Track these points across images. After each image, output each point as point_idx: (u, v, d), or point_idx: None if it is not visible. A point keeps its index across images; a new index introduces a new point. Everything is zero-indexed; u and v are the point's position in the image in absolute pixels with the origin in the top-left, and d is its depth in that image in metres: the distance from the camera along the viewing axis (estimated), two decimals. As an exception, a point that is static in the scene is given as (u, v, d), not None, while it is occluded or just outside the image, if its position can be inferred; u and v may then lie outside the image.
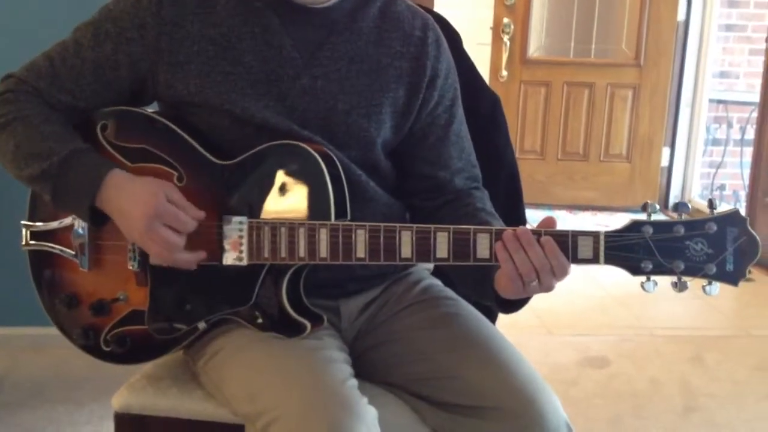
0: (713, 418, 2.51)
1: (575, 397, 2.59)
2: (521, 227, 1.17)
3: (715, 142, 5.54)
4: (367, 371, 1.35)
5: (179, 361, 1.43)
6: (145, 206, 1.20)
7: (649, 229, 1.14)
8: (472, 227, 1.18)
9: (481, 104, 1.63)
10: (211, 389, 1.34)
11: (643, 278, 1.16)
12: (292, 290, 1.27)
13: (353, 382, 1.23)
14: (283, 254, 1.23)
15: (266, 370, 1.23)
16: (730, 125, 5.55)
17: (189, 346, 1.36)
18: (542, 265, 1.15)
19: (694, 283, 1.16)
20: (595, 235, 1.15)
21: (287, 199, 1.24)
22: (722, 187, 5.57)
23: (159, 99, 1.34)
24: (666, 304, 3.42)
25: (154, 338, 1.31)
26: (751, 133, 5.40)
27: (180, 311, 1.29)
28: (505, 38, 4.84)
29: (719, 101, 5.46)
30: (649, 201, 1.17)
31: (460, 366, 1.28)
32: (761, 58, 4.44)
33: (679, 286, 1.16)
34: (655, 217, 1.15)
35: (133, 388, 1.38)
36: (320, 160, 1.23)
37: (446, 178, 1.40)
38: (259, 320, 1.27)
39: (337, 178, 1.25)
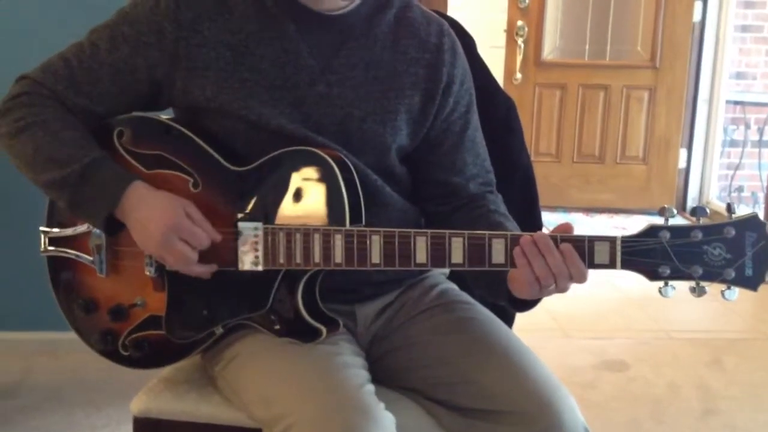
0: (732, 422, 2.49)
1: (593, 400, 2.58)
2: (539, 233, 1.17)
3: (733, 143, 5.50)
4: (383, 376, 1.35)
5: (197, 365, 1.43)
6: (163, 219, 1.21)
7: (667, 234, 1.13)
8: (487, 233, 1.18)
9: (496, 108, 1.63)
10: (228, 394, 1.34)
11: (660, 283, 1.15)
12: (307, 295, 1.28)
13: (370, 387, 1.23)
14: (299, 260, 1.23)
15: (282, 375, 1.23)
16: (747, 126, 5.51)
17: (206, 351, 1.36)
18: (560, 271, 1.15)
19: (712, 288, 1.15)
20: (611, 240, 1.15)
21: (302, 205, 1.24)
22: (740, 189, 5.53)
23: (174, 104, 1.34)
24: (683, 306, 3.40)
25: (171, 343, 1.32)
26: (768, 134, 5.37)
27: (197, 316, 1.30)
28: (519, 41, 4.83)
29: (736, 102, 5.43)
30: (666, 205, 1.16)
31: (476, 370, 1.28)
32: (779, 59, 4.40)
33: (698, 291, 1.15)
34: (672, 222, 1.14)
35: (152, 392, 1.38)
36: (335, 165, 1.23)
37: (461, 183, 1.40)
38: (276, 326, 1.28)
39: (351, 183, 1.25)
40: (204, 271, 1.25)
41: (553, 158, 5.08)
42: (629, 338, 3.16)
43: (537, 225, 1.67)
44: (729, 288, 1.14)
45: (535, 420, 1.21)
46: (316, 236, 1.22)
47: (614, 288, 3.64)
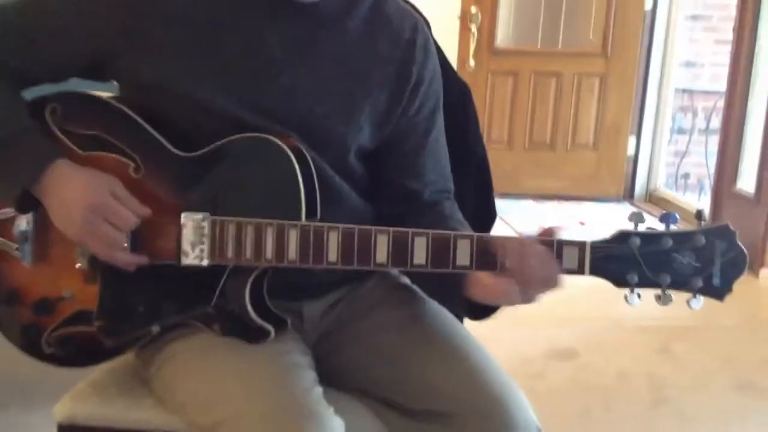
0: (682, 409, 2.50)
1: (543, 390, 2.57)
2: (525, 235, 1.12)
3: (680, 130, 5.56)
4: (329, 375, 1.29)
5: (129, 366, 1.35)
6: (85, 199, 1.13)
7: (637, 241, 1.09)
8: (452, 233, 1.13)
9: (452, 93, 1.58)
10: (163, 397, 1.26)
11: (626, 290, 1.12)
12: (255, 293, 1.21)
13: (318, 390, 1.17)
14: (249, 255, 1.17)
15: (225, 377, 1.17)
16: (695, 114, 5.57)
17: (141, 350, 1.29)
18: (530, 274, 1.10)
19: (677, 295, 1.12)
20: (580, 245, 1.10)
21: (255, 196, 1.17)
22: (686, 176, 5.60)
23: (120, 80, 1.25)
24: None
25: (102, 341, 1.23)
26: (715, 122, 5.43)
27: (132, 312, 1.22)
28: (473, 28, 4.79)
29: (684, 90, 5.48)
30: (635, 210, 1.13)
31: (426, 370, 1.24)
32: (726, 48, 4.45)
33: (663, 300, 1.12)
34: (641, 228, 1.11)
35: (78, 396, 1.29)
36: (292, 155, 1.16)
37: (417, 189, 1.34)
38: (219, 324, 1.21)
39: (308, 176, 1.18)
40: (130, 260, 1.17)
41: (504, 145, 5.08)
42: (580, 327, 3.16)
43: (491, 215, 1.64)
44: (695, 296, 1.11)
45: (485, 419, 1.18)
46: (269, 230, 1.16)
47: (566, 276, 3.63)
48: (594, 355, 2.88)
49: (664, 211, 1.12)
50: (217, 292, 1.19)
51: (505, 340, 2.94)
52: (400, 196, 1.35)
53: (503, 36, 5.00)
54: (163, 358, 1.25)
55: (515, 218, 4.57)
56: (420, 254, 1.13)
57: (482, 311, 1.21)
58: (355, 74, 1.25)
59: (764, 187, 3.70)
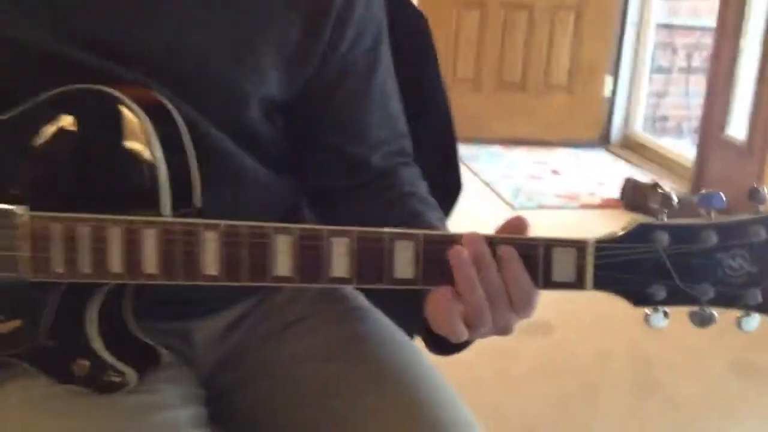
0: (674, 397, 2.19)
1: (517, 374, 2.25)
2: (470, 233, 0.74)
3: (659, 69, 5.23)
4: (228, 418, 0.94)
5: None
6: None
7: (665, 237, 0.72)
8: (387, 231, 0.75)
9: (404, 26, 1.18)
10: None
11: (648, 308, 0.75)
12: (109, 318, 0.82)
13: None
14: (87, 269, 0.77)
15: None
16: (674, 52, 5.24)
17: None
18: (495, 293, 0.73)
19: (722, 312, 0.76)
20: (579, 246, 0.73)
21: (91, 180, 0.79)
22: (665, 119, 5.30)
23: None
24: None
25: None
26: (697, 60, 5.10)
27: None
28: (435, -50, 4.36)
29: (664, 25, 5.13)
30: (660, 189, 0.75)
31: (365, 415, 0.89)
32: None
33: (702, 319, 0.76)
34: (668, 218, 0.74)
35: None
36: (142, 114, 0.77)
37: (362, 153, 0.97)
38: (53, 366, 0.82)
39: (175, 144, 0.80)
40: None
41: (471, 86, 4.71)
42: (553, 294, 2.81)
43: (455, 185, 1.26)
44: (748, 314, 0.75)
45: None
46: (115, 231, 0.77)
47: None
48: (570, 330, 2.53)
49: (706, 191, 0.74)
50: (45, 320, 0.80)
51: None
52: (339, 166, 0.98)
53: (470, -38, 4.59)
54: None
55: (483, 166, 4.20)
56: (341, 263, 0.76)
57: (450, 346, 0.84)
58: None
59: (757, 135, 3.35)
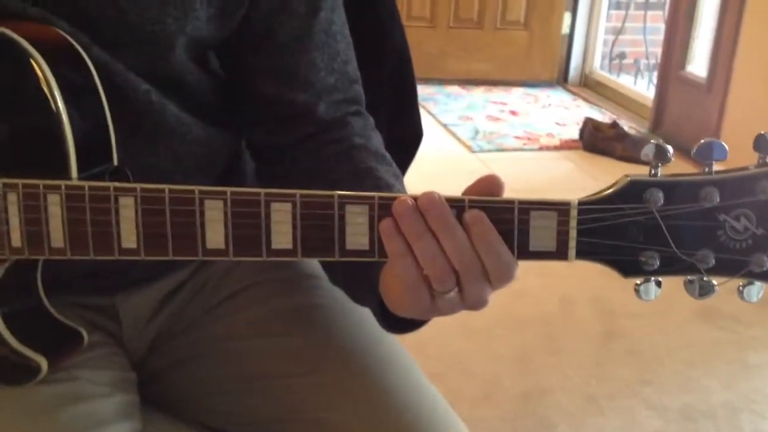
0: (637, 346, 2.13)
1: (475, 327, 2.16)
2: (428, 192, 0.63)
3: (616, 5, 5.11)
4: (164, 403, 0.85)
5: None
6: None
7: (659, 196, 0.62)
8: (336, 193, 0.63)
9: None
10: None
11: (638, 278, 0.66)
12: (14, 294, 0.71)
13: None
14: (-20, 242, 0.65)
15: None
16: (632, -14, 5.13)
17: None
18: (467, 261, 0.62)
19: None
20: (560, 209, 0.63)
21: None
22: (622, 56, 5.20)
23: None
24: (569, 189, 3.00)
25: None
26: (655, -5, 5.01)
27: None
28: None
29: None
30: (653, 141, 0.65)
31: (317, 402, 0.80)
32: None
33: (701, 288, 0.67)
34: (663, 171, 0.63)
35: None
36: (42, 58, 0.64)
37: (306, 101, 0.84)
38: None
39: (84, 91, 0.67)
40: None
41: (426, 23, 4.55)
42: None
43: (415, 133, 1.15)
44: (751, 283, 0.66)
45: None
46: (11, 197, 0.65)
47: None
48: (531, 278, 2.45)
49: (705, 140, 0.63)
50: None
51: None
52: (281, 116, 0.85)
53: None
54: None
55: (440, 108, 4.07)
56: (282, 232, 0.64)
57: (406, 323, 0.73)
58: None
59: (718, 72, 3.28)
